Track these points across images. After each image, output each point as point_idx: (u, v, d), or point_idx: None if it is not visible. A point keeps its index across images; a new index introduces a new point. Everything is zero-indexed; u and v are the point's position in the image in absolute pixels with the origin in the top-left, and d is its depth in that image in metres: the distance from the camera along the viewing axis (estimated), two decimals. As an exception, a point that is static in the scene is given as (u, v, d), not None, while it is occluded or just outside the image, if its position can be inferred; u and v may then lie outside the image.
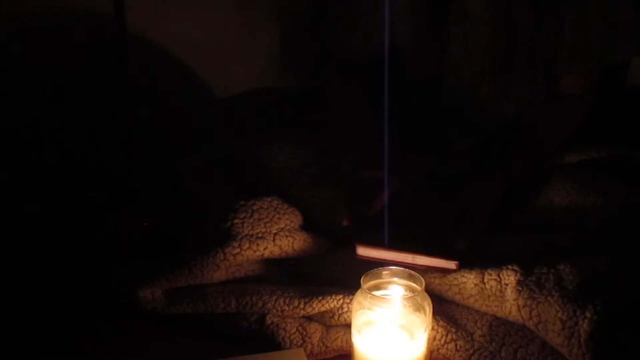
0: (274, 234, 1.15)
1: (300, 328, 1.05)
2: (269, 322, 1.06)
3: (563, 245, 1.08)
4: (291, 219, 1.19)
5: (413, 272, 0.96)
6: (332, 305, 1.04)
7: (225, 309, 1.07)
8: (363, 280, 0.94)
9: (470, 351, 1.00)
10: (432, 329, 1.01)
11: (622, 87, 1.42)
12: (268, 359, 0.99)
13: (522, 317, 0.99)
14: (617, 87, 1.40)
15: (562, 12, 1.28)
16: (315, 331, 1.05)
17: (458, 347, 1.00)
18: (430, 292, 1.01)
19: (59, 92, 1.49)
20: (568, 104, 1.31)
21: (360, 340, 0.95)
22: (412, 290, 0.96)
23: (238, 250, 1.12)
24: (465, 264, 1.06)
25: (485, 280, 1.02)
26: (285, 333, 1.04)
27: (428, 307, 0.94)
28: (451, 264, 1.06)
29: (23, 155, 1.48)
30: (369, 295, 0.93)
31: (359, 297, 0.94)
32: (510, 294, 1.00)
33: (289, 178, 1.31)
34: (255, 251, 1.13)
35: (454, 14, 1.30)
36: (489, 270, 1.03)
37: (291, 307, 1.05)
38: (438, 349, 1.01)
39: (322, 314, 1.05)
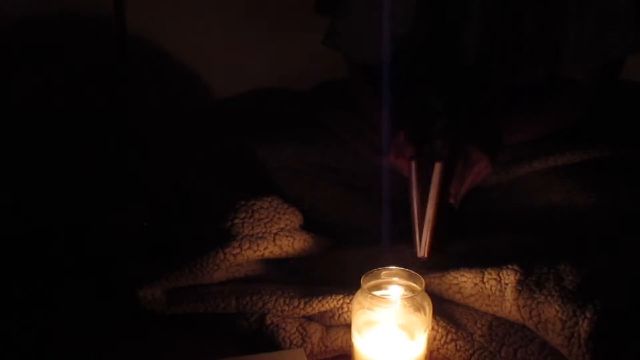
0: (274, 234, 1.15)
1: (300, 328, 1.05)
2: (269, 322, 1.06)
3: (563, 245, 1.08)
4: (291, 219, 1.19)
5: (413, 272, 0.96)
6: (332, 305, 1.04)
7: (225, 309, 1.07)
8: (363, 280, 0.94)
9: (470, 351, 1.00)
10: (432, 329, 1.01)
11: (617, 83, 1.44)
12: (268, 359, 1.00)
13: (522, 317, 0.99)
14: (613, 83, 1.42)
15: (564, 12, 1.29)
16: (315, 331, 1.05)
17: (458, 347, 1.00)
18: (430, 292, 1.01)
19: (59, 92, 1.49)
20: (574, 88, 1.34)
21: (360, 340, 0.94)
22: (412, 290, 0.96)
23: (238, 250, 1.12)
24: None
25: (485, 280, 1.02)
26: (285, 333, 1.04)
27: (428, 307, 0.94)
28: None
29: (23, 155, 1.48)
30: (369, 295, 0.93)
31: (359, 297, 0.94)
32: (510, 293, 1.00)
33: (289, 178, 1.31)
34: (255, 251, 1.13)
35: (452, 12, 1.31)
36: (489, 270, 1.03)
37: (291, 307, 1.05)
38: (438, 349, 1.01)
39: (322, 314, 1.05)
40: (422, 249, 1.12)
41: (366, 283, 0.95)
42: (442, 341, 1.01)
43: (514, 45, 1.31)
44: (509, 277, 1.01)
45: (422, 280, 0.95)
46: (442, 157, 1.14)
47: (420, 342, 0.94)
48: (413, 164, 1.14)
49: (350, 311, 0.98)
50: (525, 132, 1.31)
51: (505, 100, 1.34)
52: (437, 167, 1.12)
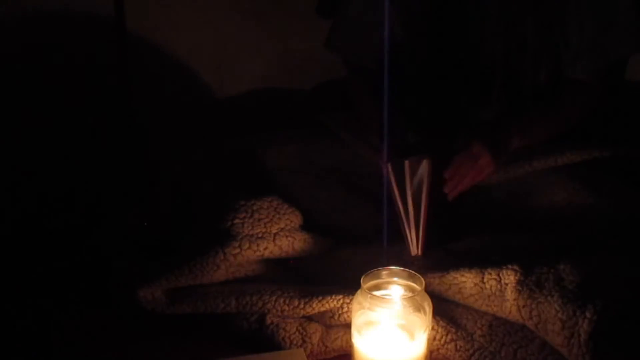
0: (274, 234, 1.15)
1: (300, 328, 1.05)
2: (269, 322, 1.06)
3: (563, 245, 1.08)
4: (291, 219, 1.19)
5: (413, 272, 0.96)
6: (332, 305, 1.04)
7: (225, 309, 1.07)
8: (363, 280, 0.94)
9: (470, 351, 1.00)
10: (432, 329, 1.01)
11: (620, 83, 1.44)
12: (268, 359, 1.00)
13: (522, 317, 0.99)
14: (616, 83, 1.42)
15: (566, 14, 1.29)
16: (315, 331, 1.05)
17: (458, 347, 1.00)
18: (430, 292, 1.01)
19: (59, 92, 1.49)
20: (580, 88, 1.34)
21: (360, 340, 0.95)
22: (412, 290, 0.96)
23: (238, 250, 1.12)
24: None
25: (485, 280, 1.02)
26: (285, 333, 1.04)
27: (428, 307, 0.94)
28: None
29: (23, 155, 1.48)
30: (369, 295, 0.93)
31: (359, 297, 0.94)
32: (510, 293, 1.00)
33: (289, 178, 1.31)
34: (255, 251, 1.13)
35: (452, 17, 1.31)
36: (489, 270, 1.03)
37: (291, 307, 1.05)
38: (438, 349, 1.01)
39: (322, 314, 1.05)
40: (415, 247, 1.12)
41: (366, 283, 0.95)
42: (442, 341, 1.01)
43: (517, 48, 1.31)
44: (509, 277, 1.01)
45: (422, 280, 0.95)
46: (429, 154, 1.15)
47: (420, 342, 0.94)
48: (389, 166, 1.15)
49: (350, 311, 0.98)
50: (536, 134, 1.30)
51: (510, 103, 1.34)
52: (424, 164, 1.13)
